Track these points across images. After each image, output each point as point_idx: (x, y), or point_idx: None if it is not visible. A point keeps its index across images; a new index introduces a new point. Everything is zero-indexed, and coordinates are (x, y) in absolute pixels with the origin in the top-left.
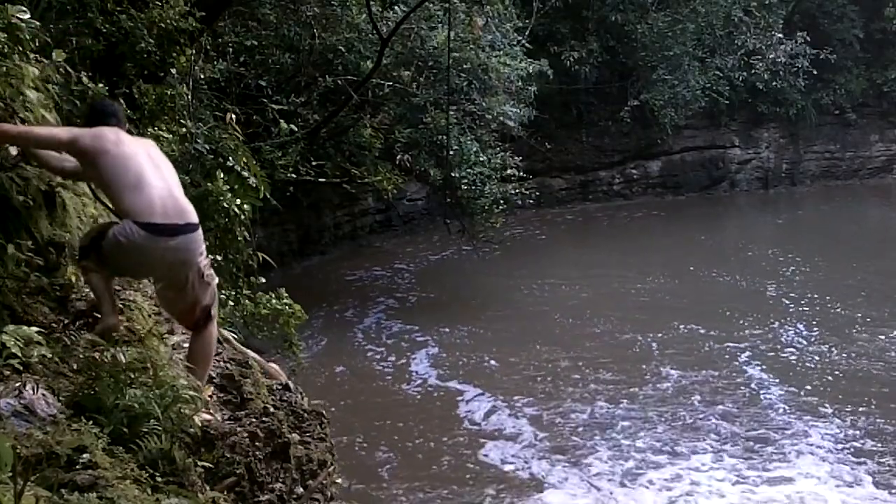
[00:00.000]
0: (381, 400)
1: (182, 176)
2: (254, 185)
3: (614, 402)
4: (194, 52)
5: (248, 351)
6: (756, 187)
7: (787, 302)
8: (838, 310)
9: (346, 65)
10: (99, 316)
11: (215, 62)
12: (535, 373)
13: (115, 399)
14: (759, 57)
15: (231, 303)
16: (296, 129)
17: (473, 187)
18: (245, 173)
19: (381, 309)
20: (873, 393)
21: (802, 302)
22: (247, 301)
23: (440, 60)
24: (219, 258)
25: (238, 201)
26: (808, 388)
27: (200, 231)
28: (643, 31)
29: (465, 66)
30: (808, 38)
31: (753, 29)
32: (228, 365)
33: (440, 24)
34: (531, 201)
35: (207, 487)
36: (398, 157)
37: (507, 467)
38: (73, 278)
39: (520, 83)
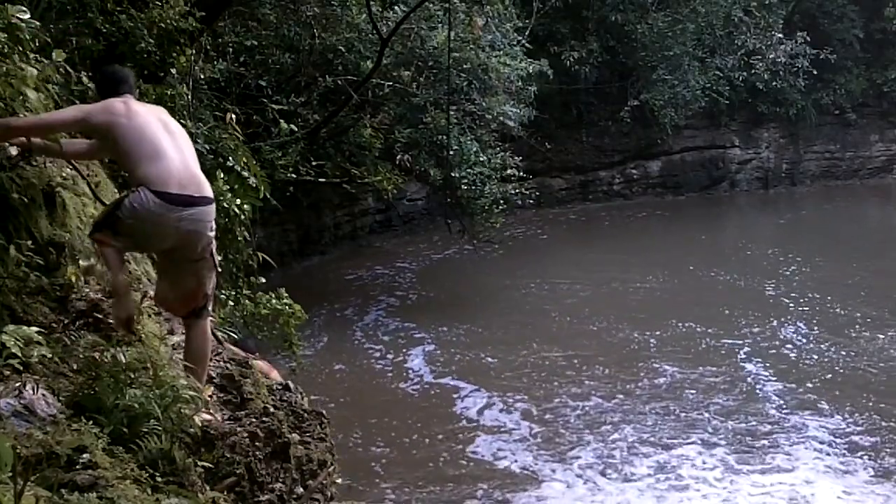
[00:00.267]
0: (379, 396)
1: None
2: (254, 185)
3: (608, 397)
4: (194, 52)
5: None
6: (756, 187)
7: (787, 301)
8: (838, 309)
9: (346, 65)
10: (99, 316)
11: (215, 62)
12: (531, 370)
13: (115, 399)
14: (759, 57)
15: (231, 303)
16: (296, 129)
17: (473, 187)
18: (245, 173)
19: (381, 308)
20: (871, 391)
21: (802, 301)
22: (247, 301)
23: (440, 60)
24: (219, 258)
25: (238, 201)
26: (805, 385)
27: (213, 207)
28: (643, 31)
29: (465, 66)
30: (808, 38)
31: (753, 29)
32: (228, 365)
33: (440, 24)
34: (531, 201)
35: (207, 487)
36: (398, 157)
37: (501, 462)
38: (73, 278)
39: (520, 83)
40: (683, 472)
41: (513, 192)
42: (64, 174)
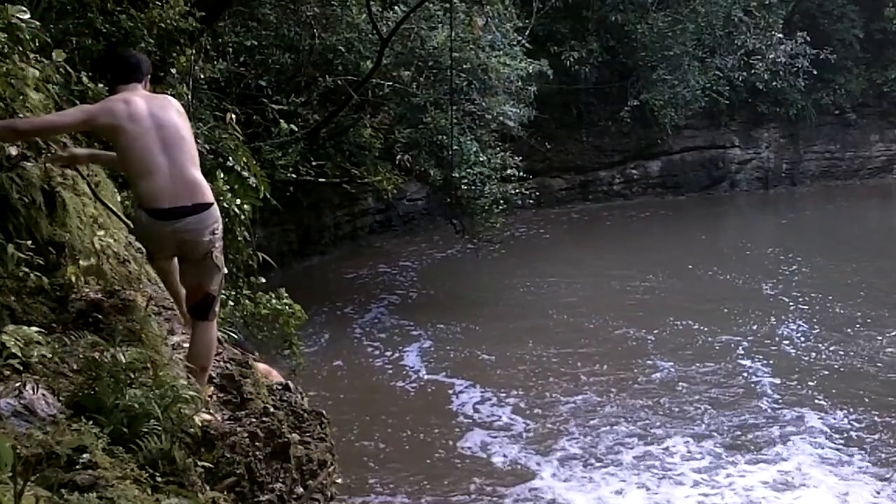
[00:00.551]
0: (377, 393)
1: None
2: (254, 185)
3: (602, 393)
4: (194, 52)
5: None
6: (756, 187)
7: (787, 300)
8: (837, 309)
9: (346, 65)
10: (99, 316)
11: (215, 62)
12: (526, 366)
13: (115, 399)
14: (759, 57)
15: (231, 303)
16: (296, 129)
17: (473, 187)
18: (245, 173)
19: (381, 306)
20: (869, 389)
21: (801, 300)
22: (247, 301)
23: (440, 60)
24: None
25: (238, 201)
26: (802, 381)
27: (212, 211)
28: (643, 31)
29: (465, 66)
30: (808, 38)
31: (753, 29)
32: (228, 365)
33: (440, 24)
34: (531, 201)
35: (207, 487)
36: (398, 157)
37: (494, 457)
38: (73, 278)
39: (520, 83)
40: (673, 464)
41: (513, 192)
42: (64, 174)
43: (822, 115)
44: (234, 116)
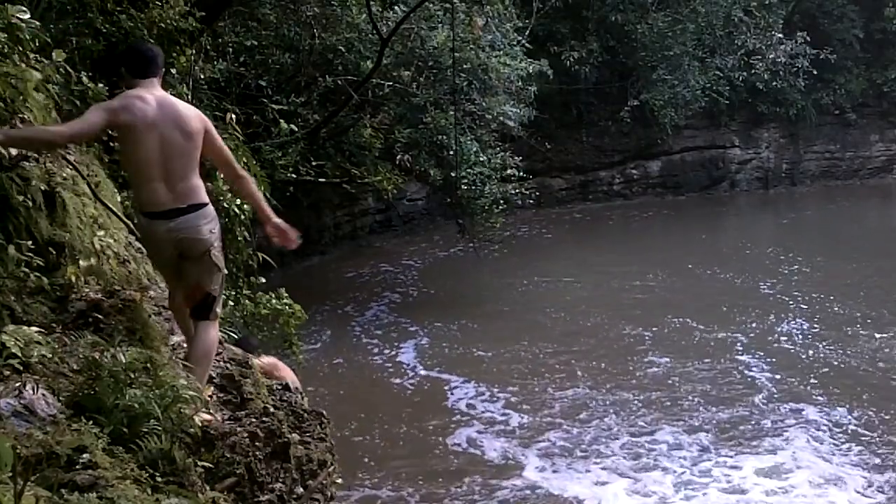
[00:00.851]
0: (375, 389)
1: None
2: None
3: (597, 388)
4: (194, 52)
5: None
6: (756, 187)
7: (786, 299)
8: (837, 308)
9: (346, 65)
10: (99, 316)
11: (215, 62)
12: (522, 363)
13: (115, 399)
14: (759, 57)
15: (231, 303)
16: (296, 129)
17: (473, 187)
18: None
19: (381, 305)
20: (867, 387)
21: (801, 300)
22: (247, 301)
23: (440, 60)
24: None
25: (238, 201)
26: (799, 378)
27: (206, 210)
28: (643, 31)
29: (465, 66)
30: (808, 38)
31: (753, 29)
32: (228, 365)
33: (440, 24)
34: (531, 201)
35: (207, 487)
36: (398, 157)
37: (488, 451)
38: (73, 278)
39: (520, 83)
40: (663, 455)
41: (513, 192)
42: (64, 174)
43: (822, 115)
44: (234, 116)
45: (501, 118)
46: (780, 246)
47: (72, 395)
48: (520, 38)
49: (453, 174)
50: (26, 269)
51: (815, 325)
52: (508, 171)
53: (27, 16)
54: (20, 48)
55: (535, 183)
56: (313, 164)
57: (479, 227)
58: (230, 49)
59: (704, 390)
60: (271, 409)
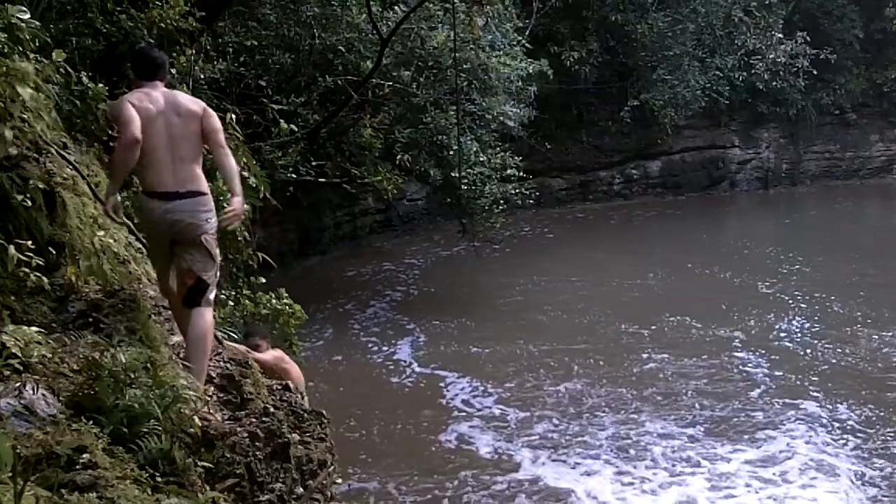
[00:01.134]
0: (373, 386)
1: None
2: (254, 185)
3: (592, 385)
4: (194, 52)
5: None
6: (756, 187)
7: (786, 298)
8: (836, 308)
9: (346, 65)
10: (99, 316)
11: (215, 62)
12: (518, 360)
13: (115, 399)
14: (759, 57)
15: (231, 303)
16: (296, 129)
17: (473, 187)
18: (245, 173)
19: (381, 304)
20: (864, 386)
21: (801, 299)
22: (247, 301)
23: (440, 60)
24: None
25: None
26: (796, 375)
27: (205, 199)
28: (643, 31)
29: (465, 66)
30: (808, 38)
31: (753, 29)
32: (228, 365)
33: (440, 24)
34: (531, 201)
35: (207, 487)
36: (398, 157)
37: (482, 446)
38: (73, 278)
39: (520, 83)
40: (653, 448)
41: (513, 192)
42: (64, 174)
43: (822, 115)
44: (234, 116)
45: (501, 118)
46: (780, 246)
47: (72, 395)
48: (520, 38)
49: (453, 174)
50: (26, 269)
51: (815, 324)
52: (508, 171)
53: (27, 16)
54: (20, 48)
55: (535, 183)
56: (313, 164)
57: (480, 227)
58: (230, 49)
59: (699, 386)
60: (271, 409)
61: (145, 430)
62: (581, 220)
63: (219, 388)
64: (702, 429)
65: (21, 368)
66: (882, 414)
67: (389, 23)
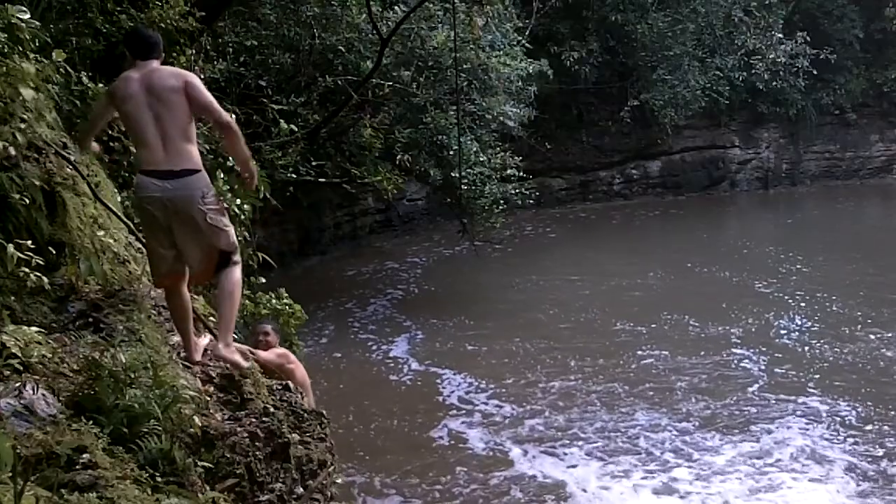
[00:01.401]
0: (372, 383)
1: None
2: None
3: (587, 381)
4: (194, 52)
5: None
6: (756, 187)
7: (786, 297)
8: (836, 308)
9: (346, 65)
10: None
11: (215, 62)
12: (515, 358)
13: (115, 399)
14: (759, 57)
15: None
16: (296, 129)
17: (473, 187)
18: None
19: (382, 303)
20: (862, 384)
21: (800, 298)
22: (247, 301)
23: (440, 60)
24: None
25: (238, 201)
26: (794, 373)
27: (199, 177)
28: (643, 31)
29: (465, 66)
30: (808, 38)
31: (753, 29)
32: (228, 365)
33: (440, 24)
34: (531, 201)
35: (207, 487)
36: (398, 157)
37: (477, 443)
38: (73, 278)
39: (520, 83)
40: (644, 441)
41: (513, 192)
42: (64, 174)
43: (822, 115)
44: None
45: (501, 118)
46: (780, 245)
47: (72, 395)
48: (520, 38)
49: (453, 174)
50: (26, 269)
51: (814, 323)
52: (508, 171)
53: (27, 16)
54: (20, 48)
55: (535, 183)
56: (313, 164)
57: (480, 227)
58: (230, 49)
59: (695, 382)
60: (271, 409)
61: (145, 430)
62: (581, 220)
63: (219, 388)
64: (694, 423)
65: (21, 368)
66: (879, 410)
67: (389, 23)
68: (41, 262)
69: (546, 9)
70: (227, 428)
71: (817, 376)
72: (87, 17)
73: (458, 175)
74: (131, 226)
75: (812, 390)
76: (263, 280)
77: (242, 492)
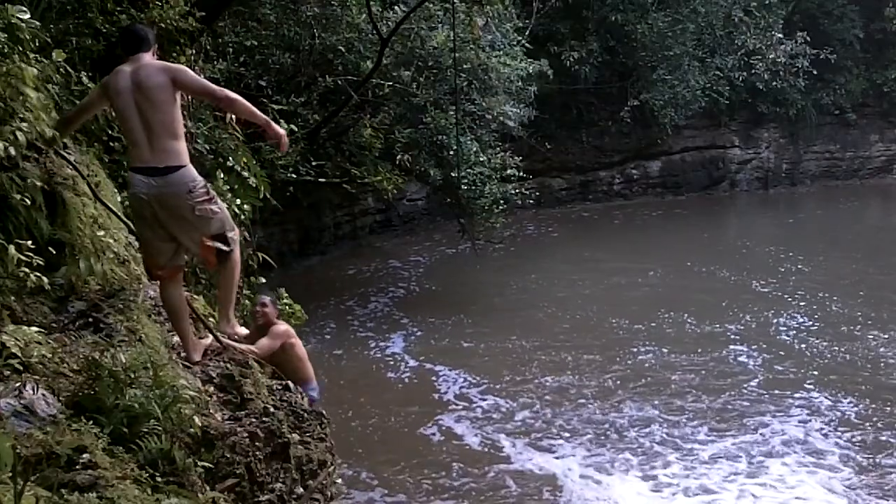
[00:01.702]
0: (370, 380)
1: None
2: (254, 185)
3: (583, 378)
4: (194, 52)
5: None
6: (756, 187)
7: (785, 297)
8: (835, 308)
9: (346, 65)
10: (99, 316)
11: (215, 62)
12: (511, 354)
13: (115, 399)
14: (759, 57)
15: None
16: (296, 129)
17: (473, 187)
18: (245, 173)
19: (382, 301)
20: (861, 382)
21: (800, 298)
22: (247, 301)
23: (440, 60)
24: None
25: (238, 201)
26: (792, 371)
27: (183, 172)
28: (643, 31)
29: (465, 66)
30: (808, 38)
31: (753, 29)
32: (228, 365)
33: (440, 24)
34: (531, 201)
35: (207, 487)
36: (398, 157)
37: (472, 439)
38: (73, 278)
39: (520, 83)
40: (634, 435)
41: (513, 192)
42: (64, 174)
43: (822, 115)
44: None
45: (501, 118)
46: (780, 245)
47: (72, 395)
48: (520, 38)
49: (453, 174)
50: (26, 269)
51: (813, 322)
52: (508, 171)
53: (27, 16)
54: (20, 48)
55: (535, 183)
56: (313, 164)
57: (480, 227)
58: (230, 49)
59: (690, 378)
60: (271, 409)
61: (145, 430)
62: (581, 219)
63: (219, 388)
64: (687, 417)
65: (21, 368)
66: (876, 407)
67: (389, 23)
68: (41, 262)
69: (546, 9)
70: (227, 428)
71: (815, 373)
72: (87, 17)
73: (454, 175)
74: (131, 226)
75: (808, 386)
76: (263, 280)
77: (242, 492)
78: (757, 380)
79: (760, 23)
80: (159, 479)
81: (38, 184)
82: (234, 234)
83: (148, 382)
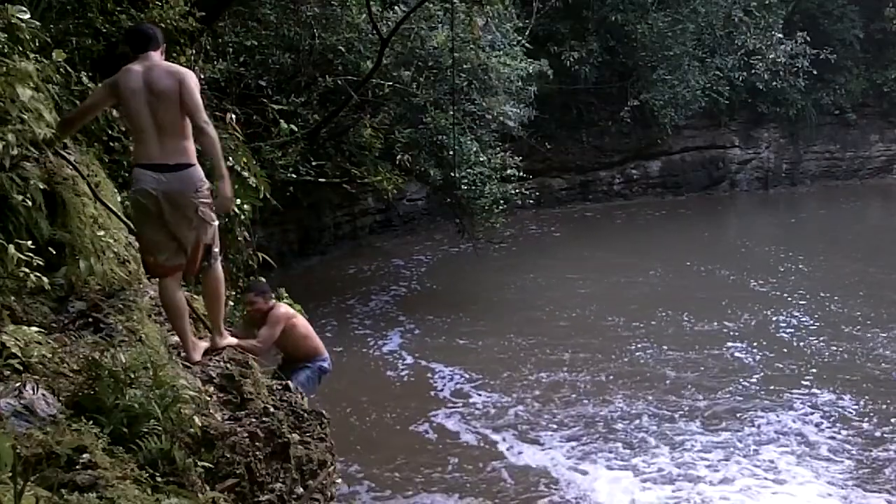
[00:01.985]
0: (369, 378)
1: None
2: (254, 185)
3: (580, 375)
4: (194, 52)
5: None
6: (756, 187)
7: (785, 296)
8: (835, 307)
9: (346, 65)
10: (99, 316)
11: (215, 62)
12: (508, 352)
13: (115, 399)
14: (759, 57)
15: (231, 303)
16: (296, 129)
17: (473, 187)
18: (245, 173)
19: (382, 300)
20: (857, 380)
21: (800, 297)
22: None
23: (440, 60)
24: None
25: (238, 201)
26: (789, 368)
27: (192, 171)
28: (643, 31)
29: (465, 66)
30: (808, 38)
31: (753, 29)
32: (228, 365)
33: (440, 24)
34: (531, 201)
35: (207, 487)
36: (398, 157)
37: (467, 435)
38: (73, 278)
39: (520, 83)
40: (627, 429)
41: (513, 192)
42: (64, 174)
43: (822, 115)
44: (234, 116)
45: (501, 118)
46: (780, 245)
47: (72, 395)
48: (520, 38)
49: (453, 174)
50: (26, 269)
51: (813, 323)
52: (508, 171)
53: (27, 16)
54: (20, 48)
55: (535, 183)
56: (313, 164)
57: (480, 227)
58: (230, 49)
59: (686, 375)
60: (271, 409)
61: (145, 430)
62: (581, 219)
63: (219, 388)
64: (681, 412)
65: (21, 368)
66: (874, 406)
67: (389, 23)
68: (41, 263)
69: (546, 9)
70: (227, 428)
71: (814, 370)
72: (87, 17)
73: (454, 175)
74: (131, 226)
75: (806, 383)
76: (263, 280)
77: (242, 492)
78: (755, 377)
79: (760, 23)
80: (159, 479)
81: (39, 184)
82: (217, 251)
83: (148, 382)
